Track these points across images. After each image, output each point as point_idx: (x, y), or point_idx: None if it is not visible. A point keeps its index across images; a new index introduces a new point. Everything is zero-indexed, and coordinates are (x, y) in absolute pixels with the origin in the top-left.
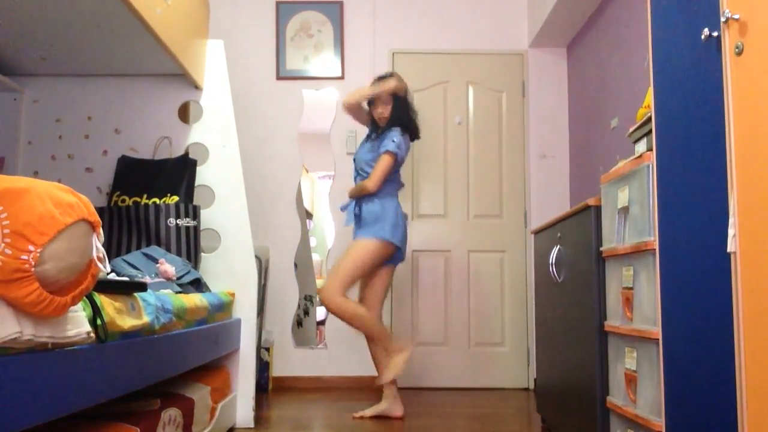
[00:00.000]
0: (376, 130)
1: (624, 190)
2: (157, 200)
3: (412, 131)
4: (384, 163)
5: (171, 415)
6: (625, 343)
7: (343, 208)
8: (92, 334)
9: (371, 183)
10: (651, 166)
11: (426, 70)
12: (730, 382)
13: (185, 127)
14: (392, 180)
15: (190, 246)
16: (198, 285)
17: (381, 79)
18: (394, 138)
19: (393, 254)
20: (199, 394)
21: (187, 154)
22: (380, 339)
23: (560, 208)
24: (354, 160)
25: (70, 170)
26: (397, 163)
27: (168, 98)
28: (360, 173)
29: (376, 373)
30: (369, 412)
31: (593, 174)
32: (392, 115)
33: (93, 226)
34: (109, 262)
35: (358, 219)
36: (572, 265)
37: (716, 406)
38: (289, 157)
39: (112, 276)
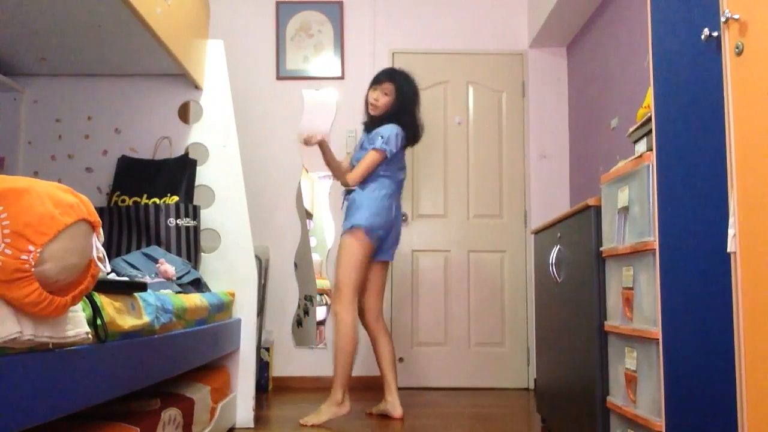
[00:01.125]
0: (371, 127)
1: (624, 190)
2: (157, 200)
3: (408, 132)
4: (368, 158)
5: (171, 415)
6: (625, 343)
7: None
8: (92, 335)
9: (351, 177)
10: (651, 166)
11: (426, 70)
12: (730, 382)
13: (185, 127)
14: (384, 175)
15: (190, 246)
16: (198, 285)
17: (378, 81)
18: (383, 134)
19: (376, 245)
20: (199, 394)
21: (187, 154)
22: (336, 375)
23: (560, 208)
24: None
25: (70, 170)
26: (386, 160)
27: (168, 98)
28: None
29: (376, 373)
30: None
31: (593, 174)
32: (390, 110)
33: (93, 226)
34: (109, 262)
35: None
36: (572, 265)
37: (716, 406)
38: (289, 157)
39: (112, 276)
